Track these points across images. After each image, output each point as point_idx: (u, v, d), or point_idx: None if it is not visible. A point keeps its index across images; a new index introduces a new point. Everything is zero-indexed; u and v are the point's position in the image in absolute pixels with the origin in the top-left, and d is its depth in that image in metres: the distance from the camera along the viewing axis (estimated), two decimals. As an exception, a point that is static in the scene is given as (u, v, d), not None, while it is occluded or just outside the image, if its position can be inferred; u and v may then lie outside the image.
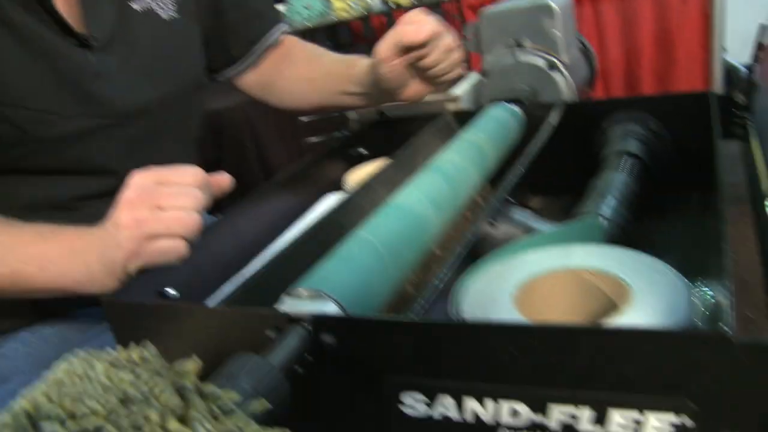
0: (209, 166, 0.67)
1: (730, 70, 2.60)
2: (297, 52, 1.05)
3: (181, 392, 0.34)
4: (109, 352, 0.37)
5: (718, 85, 2.53)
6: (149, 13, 0.86)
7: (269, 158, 2.28)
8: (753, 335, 0.36)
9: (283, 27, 1.06)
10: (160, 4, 0.88)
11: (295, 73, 1.03)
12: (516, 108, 0.91)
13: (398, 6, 2.11)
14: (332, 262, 0.51)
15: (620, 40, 2.70)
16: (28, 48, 0.75)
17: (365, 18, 2.15)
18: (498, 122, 0.85)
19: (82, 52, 0.79)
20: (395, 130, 1.03)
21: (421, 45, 0.81)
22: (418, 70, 0.87)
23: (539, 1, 1.05)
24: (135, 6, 0.85)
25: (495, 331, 0.40)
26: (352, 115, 1.18)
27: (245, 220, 0.72)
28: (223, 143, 2.29)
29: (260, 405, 0.37)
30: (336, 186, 0.90)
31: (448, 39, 0.84)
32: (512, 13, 1.07)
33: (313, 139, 2.15)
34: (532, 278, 0.53)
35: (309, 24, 2.10)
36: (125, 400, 0.33)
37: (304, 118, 2.14)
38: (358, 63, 0.95)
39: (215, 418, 0.34)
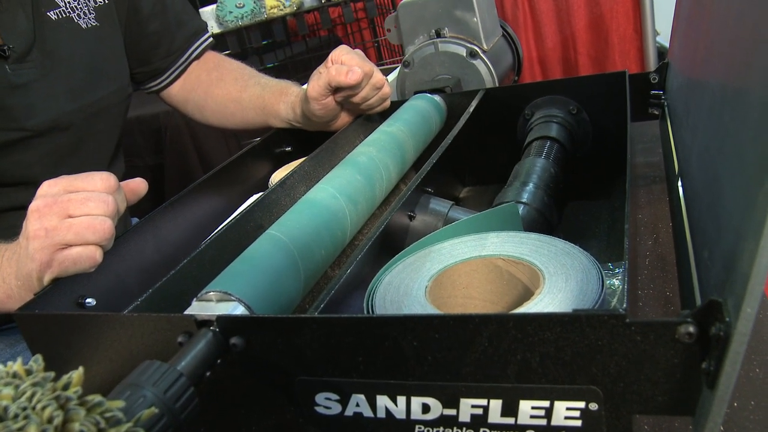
0: (150, 170, 0.65)
1: (662, 52, 2.66)
2: (225, 72, 1.04)
3: (63, 405, 0.33)
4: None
5: (652, 67, 2.58)
6: (66, 22, 0.84)
7: (212, 161, 2.25)
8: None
9: (207, 39, 1.04)
10: (79, 12, 0.85)
11: (224, 93, 1.02)
12: (437, 98, 0.91)
13: (330, 1, 2.10)
14: (241, 263, 0.50)
15: (556, 28, 2.74)
16: None
17: (299, 14, 2.14)
18: (417, 112, 0.84)
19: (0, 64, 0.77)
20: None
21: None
22: (348, 104, 0.88)
23: (458, -10, 1.05)
24: (51, 15, 0.82)
25: (395, 325, 0.39)
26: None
27: (168, 223, 0.70)
28: (164, 147, 2.25)
29: (151, 413, 0.35)
30: (263, 186, 0.89)
31: (378, 77, 0.86)
32: (431, 3, 1.07)
33: (256, 141, 2.13)
34: (446, 269, 0.52)
35: (241, 23, 2.07)
36: (2, 416, 0.32)
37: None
38: (289, 91, 0.95)
39: (100, 430, 0.32)
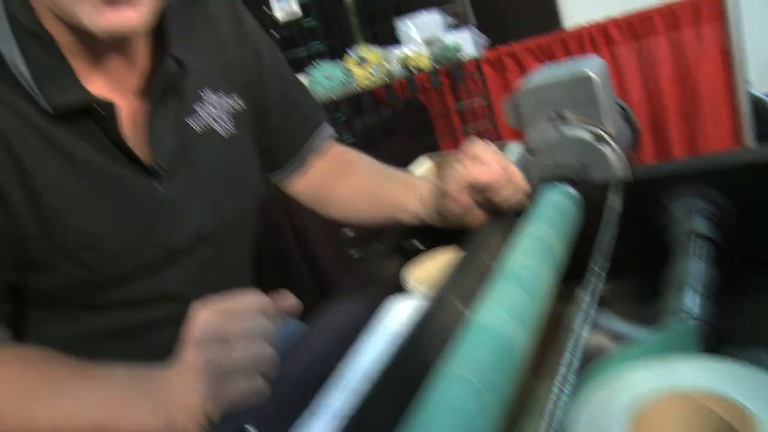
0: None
1: (756, 103, 2.58)
2: (349, 165, 1.04)
3: None
4: None
5: (746, 120, 2.51)
6: (209, 133, 0.85)
7: (309, 242, 2.26)
8: None
9: (328, 132, 1.05)
10: (219, 121, 0.87)
11: (350, 188, 1.02)
12: (570, 189, 0.89)
13: (419, 70, 2.12)
14: (431, 409, 0.49)
15: (640, 82, 2.70)
16: (98, 186, 0.74)
17: (387, 85, 2.16)
18: (558, 210, 0.82)
19: (148, 182, 0.78)
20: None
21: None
22: (483, 201, 0.87)
23: (577, 72, 1.04)
24: (195, 126, 0.84)
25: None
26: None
27: (315, 339, 0.70)
28: (261, 229, 2.27)
29: None
30: (397, 286, 0.88)
31: (515, 173, 0.85)
32: (551, 86, 1.05)
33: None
34: (640, 404, 0.50)
35: (332, 95, 2.11)
36: None
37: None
38: (417, 184, 0.94)
39: None
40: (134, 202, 0.77)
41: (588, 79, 1.02)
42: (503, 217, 0.90)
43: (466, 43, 2.17)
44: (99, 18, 0.67)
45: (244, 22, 0.94)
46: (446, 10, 2.26)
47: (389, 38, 2.33)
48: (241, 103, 0.91)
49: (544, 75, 1.09)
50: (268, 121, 0.97)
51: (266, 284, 0.97)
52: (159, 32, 0.81)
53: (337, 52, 2.28)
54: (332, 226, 2.23)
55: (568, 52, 2.91)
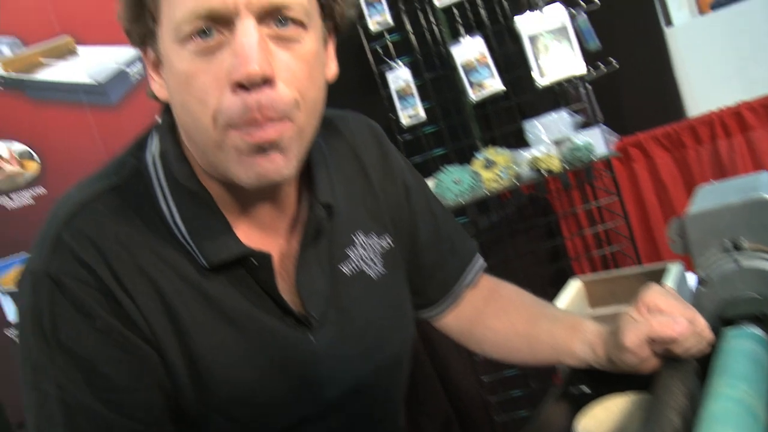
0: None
1: None
2: (504, 302, 0.99)
3: None
4: None
5: None
6: (359, 276, 0.83)
7: (447, 368, 2.21)
8: None
9: (481, 264, 1.01)
10: (369, 262, 0.84)
11: (507, 327, 0.97)
12: (760, 332, 0.80)
13: (549, 172, 2.06)
14: None
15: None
16: (252, 339, 0.73)
17: (516, 189, 2.12)
18: (753, 362, 0.73)
19: (301, 334, 0.76)
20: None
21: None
22: (662, 350, 0.80)
23: (754, 196, 0.95)
24: (345, 269, 0.82)
25: None
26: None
27: None
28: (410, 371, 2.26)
29: None
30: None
31: (700, 323, 0.79)
32: (722, 211, 0.97)
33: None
34: None
35: (461, 200, 2.08)
36: None
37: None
38: (583, 327, 0.88)
39: None
40: (288, 356, 0.75)
41: (766, 203, 0.94)
42: (681, 363, 0.82)
43: (597, 141, 2.11)
44: (250, 167, 0.67)
45: (390, 155, 0.93)
46: (572, 108, 2.21)
47: (512, 140, 2.31)
48: (390, 241, 0.88)
49: (712, 197, 1.01)
50: (420, 260, 0.94)
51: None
52: (307, 176, 0.81)
53: (463, 154, 2.27)
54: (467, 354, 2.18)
55: (698, 140, 2.78)
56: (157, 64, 0.72)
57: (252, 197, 0.76)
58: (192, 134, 0.71)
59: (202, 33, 0.65)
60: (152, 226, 0.72)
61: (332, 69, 0.79)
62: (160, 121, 0.78)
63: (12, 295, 2.17)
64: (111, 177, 0.75)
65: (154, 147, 0.77)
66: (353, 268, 0.83)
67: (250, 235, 0.76)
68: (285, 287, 0.77)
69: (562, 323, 0.90)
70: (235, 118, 0.65)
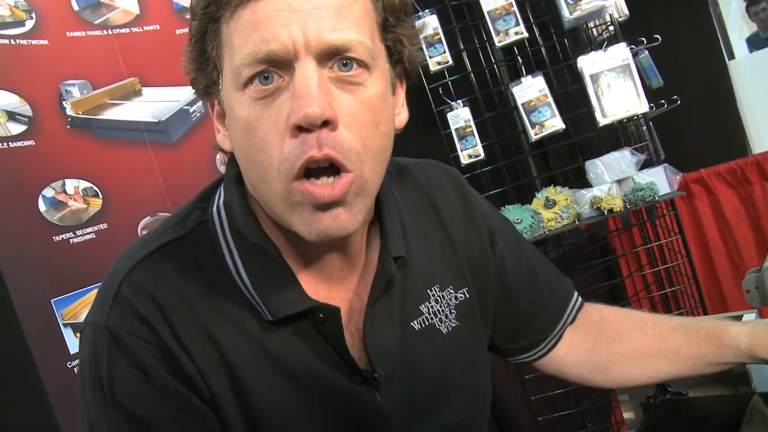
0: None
1: None
2: (616, 324, 0.94)
3: None
4: None
5: None
6: (428, 331, 0.80)
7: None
8: None
9: (579, 300, 0.97)
10: (441, 316, 0.81)
11: (635, 348, 0.91)
12: None
13: (611, 211, 2.02)
14: None
15: None
16: (314, 395, 0.71)
17: (576, 228, 2.07)
18: None
19: (368, 390, 0.74)
20: (686, 412, 0.90)
21: None
22: None
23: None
24: (415, 325, 0.79)
25: None
26: (622, 397, 1.05)
27: None
28: None
29: None
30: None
31: None
32: (807, 266, 0.94)
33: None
34: None
35: (520, 240, 2.05)
36: None
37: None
38: (726, 333, 0.83)
39: None
40: (353, 414, 0.73)
41: None
42: (755, 410, 0.79)
43: (660, 180, 2.06)
44: (312, 223, 0.65)
45: (471, 201, 0.90)
46: (634, 146, 2.17)
47: (571, 179, 2.27)
48: (466, 292, 0.85)
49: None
50: (516, 305, 0.91)
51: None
52: (379, 227, 0.79)
53: (522, 194, 2.24)
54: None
55: (764, 176, 2.69)
56: (222, 115, 0.72)
57: (319, 249, 0.74)
58: (255, 185, 0.69)
59: (263, 78, 0.63)
60: (215, 280, 0.71)
61: (402, 117, 0.76)
62: (225, 172, 0.77)
63: (72, 326, 2.20)
64: (175, 229, 0.74)
65: (219, 198, 0.76)
66: (423, 322, 0.80)
67: (317, 287, 0.75)
68: (352, 342, 0.75)
69: (700, 333, 0.86)
70: (293, 161, 0.63)
